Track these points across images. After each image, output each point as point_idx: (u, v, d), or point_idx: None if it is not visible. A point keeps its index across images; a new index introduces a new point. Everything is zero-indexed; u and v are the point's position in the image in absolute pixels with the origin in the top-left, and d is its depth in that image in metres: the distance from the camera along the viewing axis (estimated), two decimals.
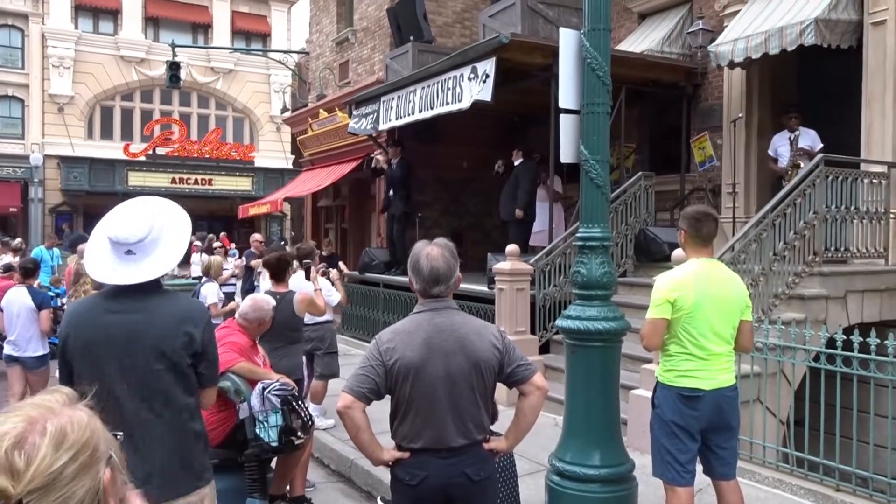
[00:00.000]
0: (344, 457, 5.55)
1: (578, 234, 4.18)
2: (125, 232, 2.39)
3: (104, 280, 2.42)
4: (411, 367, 2.48)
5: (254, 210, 16.83)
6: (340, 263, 11.74)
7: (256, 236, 11.42)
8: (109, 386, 2.32)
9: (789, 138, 7.90)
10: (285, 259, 5.33)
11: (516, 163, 9.43)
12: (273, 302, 4.39)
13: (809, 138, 7.80)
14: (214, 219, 25.00)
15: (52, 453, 0.95)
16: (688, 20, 9.83)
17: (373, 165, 10.88)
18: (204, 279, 8.37)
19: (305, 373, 5.65)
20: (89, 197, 23.07)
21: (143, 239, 2.40)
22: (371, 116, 10.62)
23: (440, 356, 2.50)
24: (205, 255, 8.56)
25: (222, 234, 17.25)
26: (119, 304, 2.40)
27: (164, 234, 2.45)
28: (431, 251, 2.59)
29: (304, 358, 5.45)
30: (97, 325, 2.38)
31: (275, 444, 3.73)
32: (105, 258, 2.41)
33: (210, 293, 7.75)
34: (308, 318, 5.95)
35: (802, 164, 7.64)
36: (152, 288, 2.44)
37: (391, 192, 10.52)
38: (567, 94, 4.20)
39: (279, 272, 5.25)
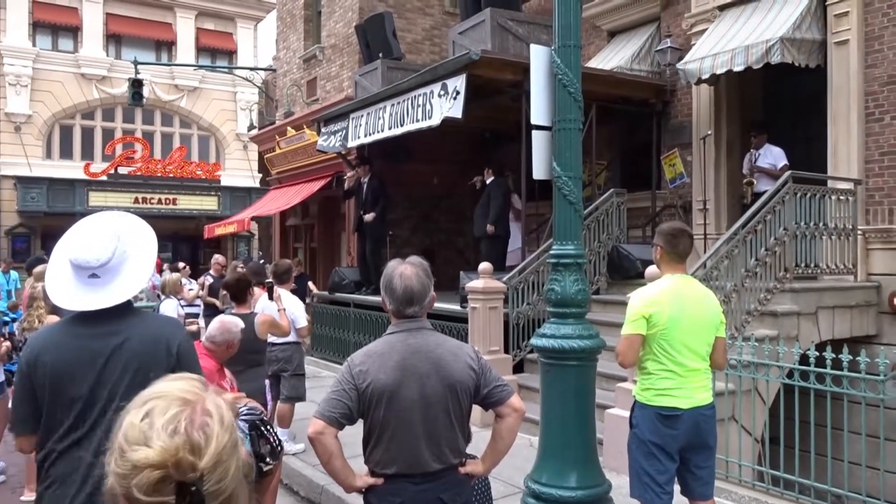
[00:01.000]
0: (314, 483, 5.44)
1: (552, 252, 4.19)
2: (88, 254, 2.30)
3: (69, 307, 2.33)
4: (385, 391, 2.45)
5: (220, 230, 16.64)
6: (310, 283, 11.78)
7: (218, 258, 11.18)
8: (93, 411, 2.26)
9: (749, 157, 8.07)
10: (245, 280, 5.27)
11: (488, 181, 9.49)
12: (242, 324, 4.32)
13: (772, 156, 7.96)
14: (179, 239, 24.65)
15: (221, 432, 1.08)
16: (656, 38, 10.02)
17: (345, 187, 10.81)
18: (163, 297, 8.23)
19: (269, 396, 5.56)
20: (48, 218, 22.58)
21: (108, 262, 2.32)
22: (340, 134, 10.59)
23: (415, 379, 2.47)
24: (166, 274, 8.41)
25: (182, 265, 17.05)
26: (93, 329, 2.32)
27: (130, 253, 2.37)
28: (405, 270, 2.58)
29: (267, 382, 5.38)
30: (73, 351, 2.30)
31: None
32: (68, 283, 2.33)
33: (168, 310, 7.62)
34: (275, 338, 5.86)
35: (756, 182, 7.80)
36: (126, 309, 2.37)
37: (362, 211, 10.48)
38: (539, 111, 4.23)
39: (239, 293, 5.20)
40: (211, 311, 9.52)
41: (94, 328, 2.33)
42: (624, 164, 10.85)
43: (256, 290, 5.84)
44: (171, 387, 1.14)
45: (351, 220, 12.38)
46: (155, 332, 2.39)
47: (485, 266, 7.38)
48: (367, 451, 2.54)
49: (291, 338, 6.18)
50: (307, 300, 11.24)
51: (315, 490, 5.40)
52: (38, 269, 6.38)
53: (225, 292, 7.48)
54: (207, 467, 1.05)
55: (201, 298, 9.83)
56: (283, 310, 5.82)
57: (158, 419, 1.07)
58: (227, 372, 4.19)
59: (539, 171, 4.21)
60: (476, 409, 2.63)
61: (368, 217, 10.23)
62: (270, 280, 6.10)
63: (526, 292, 7.65)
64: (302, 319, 6.23)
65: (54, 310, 5.35)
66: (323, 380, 9.40)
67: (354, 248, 12.18)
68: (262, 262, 12.70)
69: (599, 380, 6.25)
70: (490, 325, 7.22)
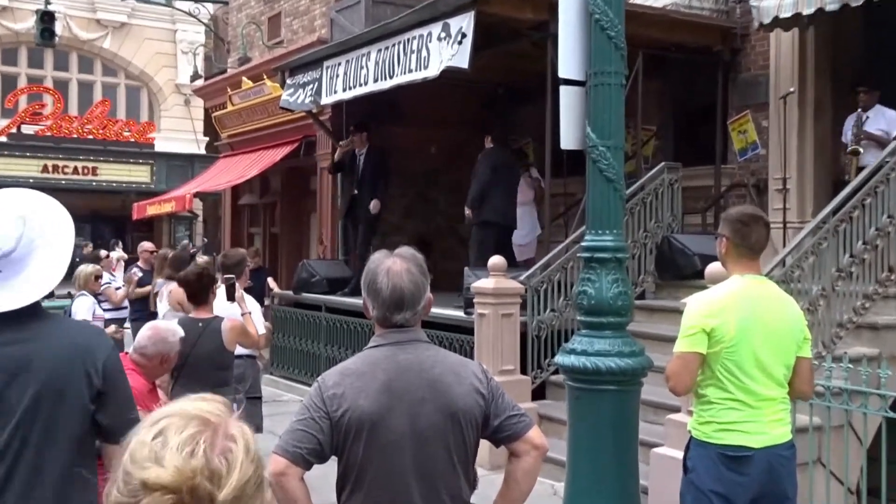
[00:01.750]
0: None
1: (584, 243, 4.19)
2: None
3: None
4: (366, 421, 2.45)
5: (154, 209, 16.67)
6: (270, 280, 11.82)
7: (146, 245, 11.17)
8: None
9: (856, 119, 8.03)
10: (209, 275, 5.30)
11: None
12: (180, 331, 4.32)
13: (885, 120, 7.93)
14: (100, 220, 24.72)
15: (247, 462, 1.12)
16: None
17: (335, 159, 10.79)
18: (77, 294, 8.23)
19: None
20: None
21: (10, 252, 2.33)
22: (311, 87, 10.59)
23: (405, 406, 2.48)
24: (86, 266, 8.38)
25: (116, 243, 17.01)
26: None
27: (39, 242, 2.38)
28: (394, 265, 2.58)
29: (235, 405, 5.37)
30: None
31: None
32: None
33: (81, 309, 7.62)
34: None
35: (862, 152, 7.77)
36: (33, 313, 2.37)
37: (356, 191, 10.50)
38: (569, 61, 4.22)
39: (201, 292, 5.21)
40: (141, 313, 9.53)
41: None
42: (679, 131, 10.82)
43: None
44: (189, 405, 1.18)
45: (327, 200, 12.39)
46: (71, 346, 2.38)
47: (496, 261, 7.40)
48: (343, 498, 2.53)
49: (244, 351, 6.17)
50: (266, 301, 11.25)
51: None
52: None
53: (160, 291, 7.47)
54: (226, 501, 1.07)
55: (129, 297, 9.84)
56: (248, 314, 5.84)
57: (173, 438, 1.11)
58: (161, 394, 4.19)
59: (568, 140, 4.21)
60: (484, 446, 2.64)
61: (374, 206, 10.35)
62: (231, 276, 6.11)
63: (550, 295, 7.67)
64: (259, 327, 6.23)
65: None
66: (285, 405, 9.42)
67: (330, 234, 12.20)
68: (193, 248, 12.71)
69: (644, 410, 6.23)
70: (503, 338, 7.24)
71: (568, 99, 4.30)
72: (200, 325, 4.86)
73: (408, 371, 2.51)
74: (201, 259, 10.05)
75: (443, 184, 12.60)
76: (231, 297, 5.91)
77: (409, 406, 2.48)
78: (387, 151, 10.84)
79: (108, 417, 2.43)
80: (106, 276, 9.84)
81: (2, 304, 2.32)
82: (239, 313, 5.78)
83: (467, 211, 9.34)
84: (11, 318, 2.34)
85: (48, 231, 2.41)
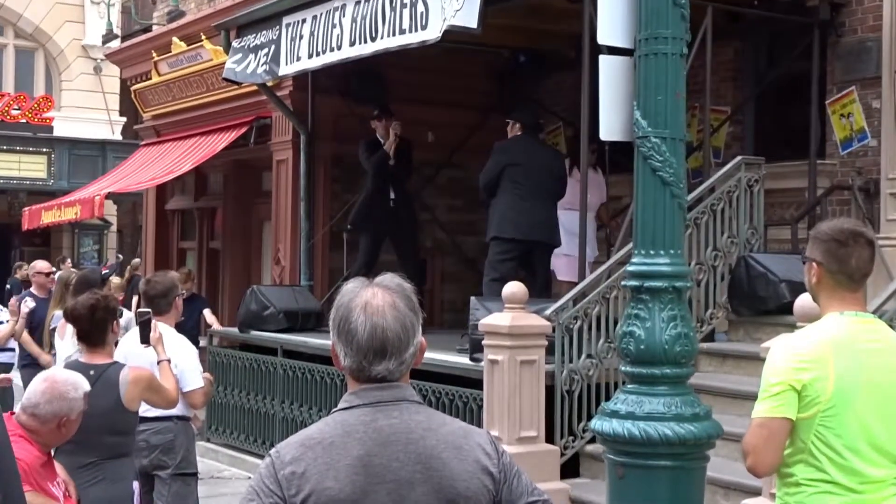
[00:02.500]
0: None
1: (631, 268, 4.20)
2: None
3: None
4: None
5: (51, 215, 16.64)
6: (207, 312, 11.80)
7: (40, 265, 11.12)
8: None
9: None
10: (106, 305, 5.28)
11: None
12: (85, 384, 4.31)
13: None
14: None
15: None
16: None
17: (386, 154, 10.83)
18: None
19: None
20: None
21: None
22: (265, 52, 10.62)
23: (387, 490, 2.48)
24: None
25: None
26: None
27: None
28: (373, 299, 2.59)
29: (135, 485, 5.39)
30: None
31: None
32: None
33: None
34: (145, 410, 5.88)
35: None
36: None
37: (393, 197, 10.76)
38: (612, 22, 4.25)
39: (94, 330, 5.20)
40: (31, 359, 9.53)
41: None
42: (761, 114, 10.84)
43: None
44: None
45: (287, 204, 12.38)
46: None
47: (513, 289, 7.39)
48: None
49: (175, 410, 6.16)
50: (201, 342, 11.23)
51: None
52: None
53: (59, 327, 7.50)
54: None
55: (16, 337, 9.84)
56: (166, 361, 5.82)
57: None
58: (58, 468, 4.18)
59: (610, 128, 4.24)
60: None
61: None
62: (147, 311, 6.12)
63: (586, 335, 7.66)
64: (194, 377, 6.24)
65: None
66: (227, 483, 9.40)
67: (289, 251, 12.19)
68: (105, 267, 12.70)
69: (712, 491, 6.23)
70: (521, 393, 7.23)
71: (610, 73, 4.34)
72: (92, 373, 4.83)
73: (391, 442, 2.51)
74: (115, 282, 10.10)
75: (443, 184, 12.63)
76: (145, 338, 5.91)
77: (393, 490, 2.48)
78: (411, 142, 11.05)
79: None
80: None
81: None
82: (155, 360, 5.77)
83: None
84: None
85: None
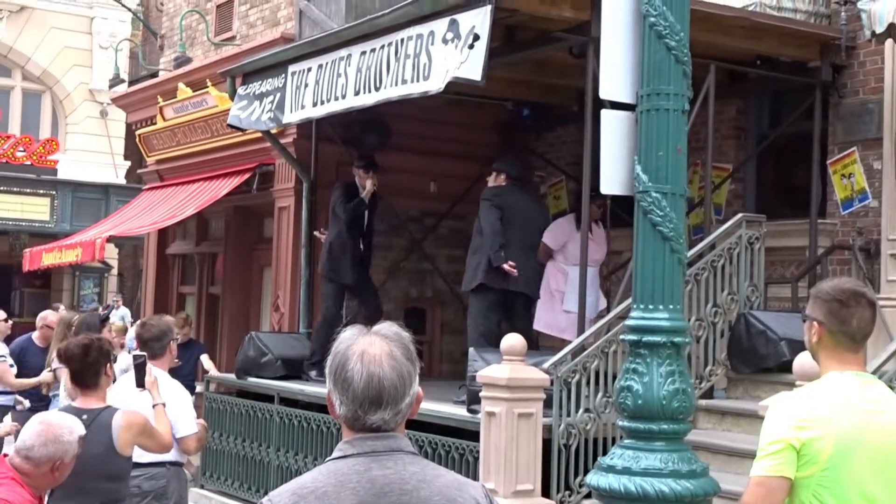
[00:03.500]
0: None
1: (630, 322, 4.19)
2: None
3: None
4: None
5: (52, 257, 16.64)
6: (204, 357, 11.77)
7: (48, 316, 11.01)
8: None
9: None
10: (100, 348, 5.27)
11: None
12: (81, 428, 4.30)
13: None
14: None
15: None
16: None
17: (363, 195, 10.77)
18: None
19: None
20: None
21: None
22: (270, 99, 10.68)
23: None
24: None
25: None
26: None
27: None
28: (370, 348, 2.58)
29: None
30: None
31: None
32: None
33: None
34: (138, 456, 5.85)
35: None
36: None
37: (363, 248, 10.77)
38: (615, 77, 4.28)
39: (87, 372, 5.19)
40: (30, 400, 9.51)
41: None
42: (762, 172, 10.89)
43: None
44: None
45: (287, 251, 12.39)
46: None
47: (512, 342, 7.37)
48: None
49: (168, 455, 6.15)
50: (198, 387, 11.19)
51: None
52: None
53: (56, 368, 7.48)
54: None
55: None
56: (161, 405, 5.81)
57: None
58: None
59: (611, 182, 4.25)
60: None
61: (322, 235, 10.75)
62: (142, 354, 6.11)
63: (584, 389, 7.63)
64: (187, 422, 6.21)
65: None
66: None
67: (289, 298, 12.18)
68: (105, 310, 12.68)
69: None
70: (518, 446, 7.19)
71: (612, 127, 4.35)
72: (85, 417, 4.80)
73: (385, 493, 2.50)
74: (118, 325, 10.09)
75: (444, 234, 12.65)
76: (140, 382, 5.89)
77: None
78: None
79: None
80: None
81: None
82: (150, 404, 5.77)
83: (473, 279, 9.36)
84: None
85: None
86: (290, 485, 2.60)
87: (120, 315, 20.38)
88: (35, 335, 10.52)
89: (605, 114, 4.33)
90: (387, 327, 2.67)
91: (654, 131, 4.15)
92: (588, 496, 7.30)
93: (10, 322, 10.70)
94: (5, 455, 4.12)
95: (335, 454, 2.60)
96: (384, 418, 2.56)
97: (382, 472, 2.53)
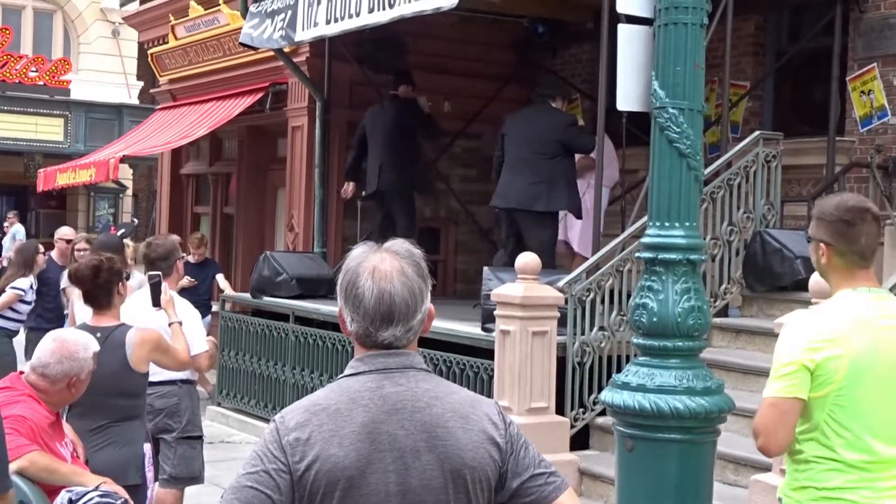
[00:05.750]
0: None
1: (645, 240, 4.18)
2: None
3: None
4: (339, 478, 2.46)
5: (66, 177, 16.65)
6: (220, 277, 11.83)
7: (65, 232, 11.15)
8: None
9: None
10: (110, 268, 5.28)
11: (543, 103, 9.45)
12: (95, 345, 4.32)
13: None
14: None
15: None
16: None
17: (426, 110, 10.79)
18: None
19: (149, 474, 5.61)
20: None
21: None
22: (282, 17, 10.58)
23: (392, 458, 2.48)
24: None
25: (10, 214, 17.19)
26: None
27: None
28: (381, 264, 2.58)
29: (147, 447, 5.41)
30: None
31: None
32: None
33: None
34: (150, 375, 5.93)
35: None
36: None
37: (380, 154, 10.58)
38: None
39: (98, 291, 5.21)
40: (39, 323, 9.61)
41: None
42: (780, 90, 10.78)
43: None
44: None
45: (301, 171, 12.37)
46: None
47: (526, 260, 7.39)
48: None
49: (180, 374, 6.24)
50: (214, 307, 11.26)
51: None
52: None
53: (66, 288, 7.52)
54: None
55: (23, 300, 9.87)
56: (177, 323, 5.86)
57: None
58: (66, 428, 4.20)
59: (627, 98, 4.22)
60: None
61: (345, 190, 10.73)
62: (157, 273, 6.13)
63: (598, 308, 7.65)
64: (198, 340, 6.27)
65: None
66: (236, 448, 9.44)
67: (303, 218, 12.19)
68: (122, 231, 12.77)
69: (721, 466, 6.22)
70: (533, 364, 7.24)
71: (628, 43, 4.30)
72: (99, 335, 4.83)
73: (397, 410, 2.50)
74: (130, 246, 10.14)
75: (457, 154, 12.60)
76: (156, 301, 5.93)
77: (398, 458, 2.47)
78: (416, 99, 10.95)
79: None
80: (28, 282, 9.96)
81: None
82: (165, 322, 5.82)
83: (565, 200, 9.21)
84: None
85: None
86: (303, 402, 2.61)
87: (13, 233, 20.43)
88: (53, 253, 10.63)
89: (623, 28, 4.28)
90: (398, 244, 2.66)
91: (671, 46, 4.09)
92: (602, 414, 7.41)
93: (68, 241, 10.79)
94: (21, 373, 4.16)
95: (347, 371, 2.61)
96: (396, 335, 2.55)
97: (395, 389, 2.53)
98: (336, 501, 2.45)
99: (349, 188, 11.08)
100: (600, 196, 8.97)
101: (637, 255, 4.72)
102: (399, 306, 2.54)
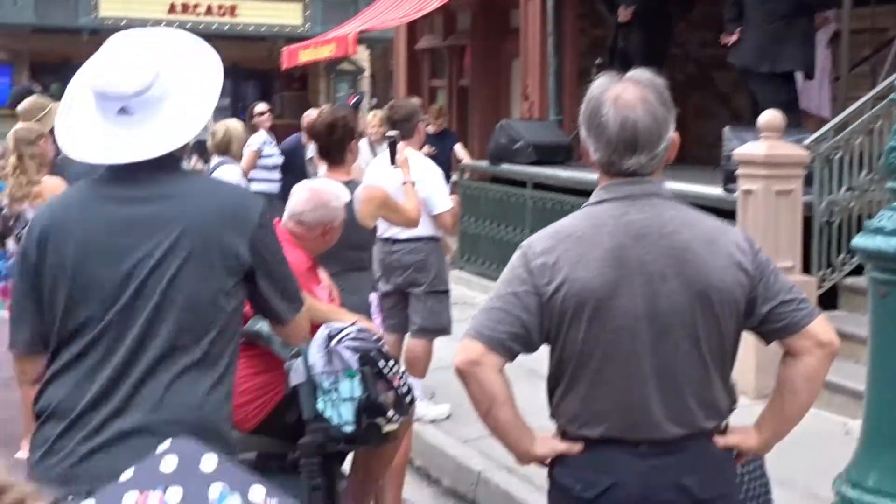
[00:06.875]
0: (464, 467, 5.70)
1: None
2: (117, 78, 2.58)
3: (88, 158, 2.67)
4: (588, 299, 2.50)
5: (308, 54, 17.06)
6: (458, 147, 11.99)
7: (312, 114, 11.63)
8: (124, 314, 2.54)
9: None
10: (344, 124, 5.42)
11: None
12: (346, 195, 4.47)
13: None
14: (241, 73, 25.66)
15: None
16: None
17: None
18: (218, 160, 8.67)
19: (377, 320, 5.84)
20: (38, 37, 24.25)
21: (146, 90, 2.59)
22: None
23: (639, 282, 2.51)
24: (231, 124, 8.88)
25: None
26: (129, 191, 2.63)
27: (179, 82, 2.66)
28: (624, 93, 2.58)
29: (373, 296, 5.59)
30: (100, 226, 2.60)
31: (349, 430, 3.83)
32: (87, 124, 2.64)
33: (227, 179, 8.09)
34: (398, 232, 6.14)
35: None
36: (171, 167, 2.70)
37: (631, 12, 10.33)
38: None
39: (332, 148, 5.35)
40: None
41: (128, 190, 2.63)
42: None
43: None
44: None
45: (535, 40, 12.29)
46: (220, 204, 2.68)
47: (770, 118, 7.17)
48: (556, 400, 2.63)
49: (425, 231, 6.36)
50: (453, 176, 11.45)
51: (466, 479, 5.66)
52: (26, 104, 6.89)
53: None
54: None
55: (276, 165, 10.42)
56: (410, 183, 5.96)
57: None
58: (321, 273, 4.39)
59: None
60: (747, 365, 2.63)
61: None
62: (393, 133, 6.26)
63: (847, 167, 7.42)
64: (441, 199, 6.39)
65: (56, 169, 5.83)
66: (475, 308, 9.64)
67: (538, 87, 12.18)
68: (357, 101, 13.12)
69: None
70: (778, 224, 7.10)
71: None
72: None
73: (644, 236, 2.53)
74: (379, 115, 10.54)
75: (695, 19, 12.20)
76: (393, 160, 6.06)
77: (646, 282, 2.50)
78: None
79: (268, 297, 2.74)
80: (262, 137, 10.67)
81: (133, 153, 2.59)
82: (400, 181, 5.93)
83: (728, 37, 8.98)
84: (144, 171, 2.62)
85: (190, 72, 2.71)
86: (548, 229, 2.67)
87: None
88: (301, 135, 11.26)
89: None
90: (640, 73, 2.66)
91: None
92: (851, 274, 7.26)
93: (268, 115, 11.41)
94: (279, 220, 4.35)
95: (591, 199, 2.65)
96: (640, 162, 2.56)
97: (639, 216, 2.55)
98: (585, 322, 2.51)
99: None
100: (847, 58, 8.56)
101: (892, 96, 4.52)
102: (642, 133, 2.54)
